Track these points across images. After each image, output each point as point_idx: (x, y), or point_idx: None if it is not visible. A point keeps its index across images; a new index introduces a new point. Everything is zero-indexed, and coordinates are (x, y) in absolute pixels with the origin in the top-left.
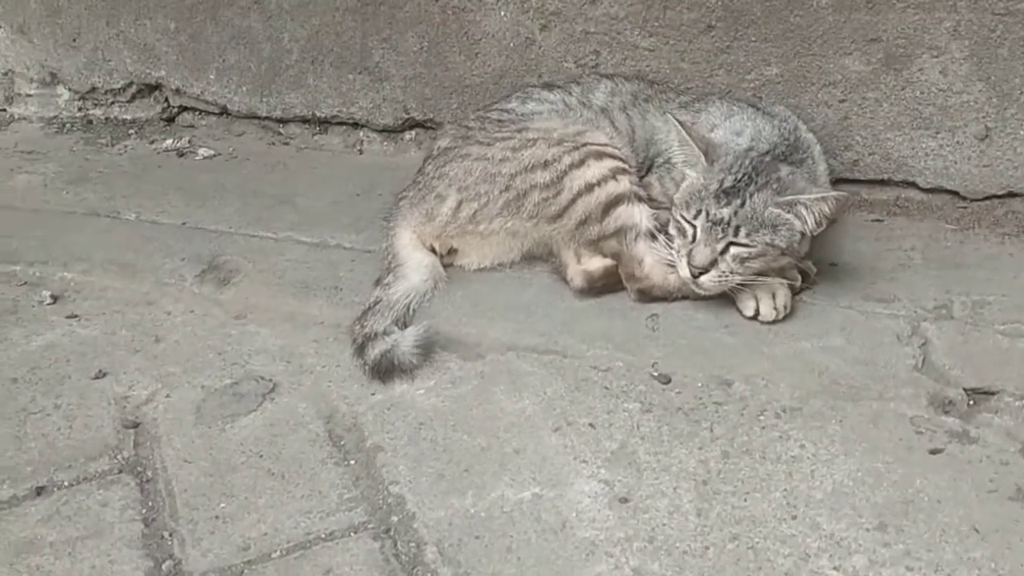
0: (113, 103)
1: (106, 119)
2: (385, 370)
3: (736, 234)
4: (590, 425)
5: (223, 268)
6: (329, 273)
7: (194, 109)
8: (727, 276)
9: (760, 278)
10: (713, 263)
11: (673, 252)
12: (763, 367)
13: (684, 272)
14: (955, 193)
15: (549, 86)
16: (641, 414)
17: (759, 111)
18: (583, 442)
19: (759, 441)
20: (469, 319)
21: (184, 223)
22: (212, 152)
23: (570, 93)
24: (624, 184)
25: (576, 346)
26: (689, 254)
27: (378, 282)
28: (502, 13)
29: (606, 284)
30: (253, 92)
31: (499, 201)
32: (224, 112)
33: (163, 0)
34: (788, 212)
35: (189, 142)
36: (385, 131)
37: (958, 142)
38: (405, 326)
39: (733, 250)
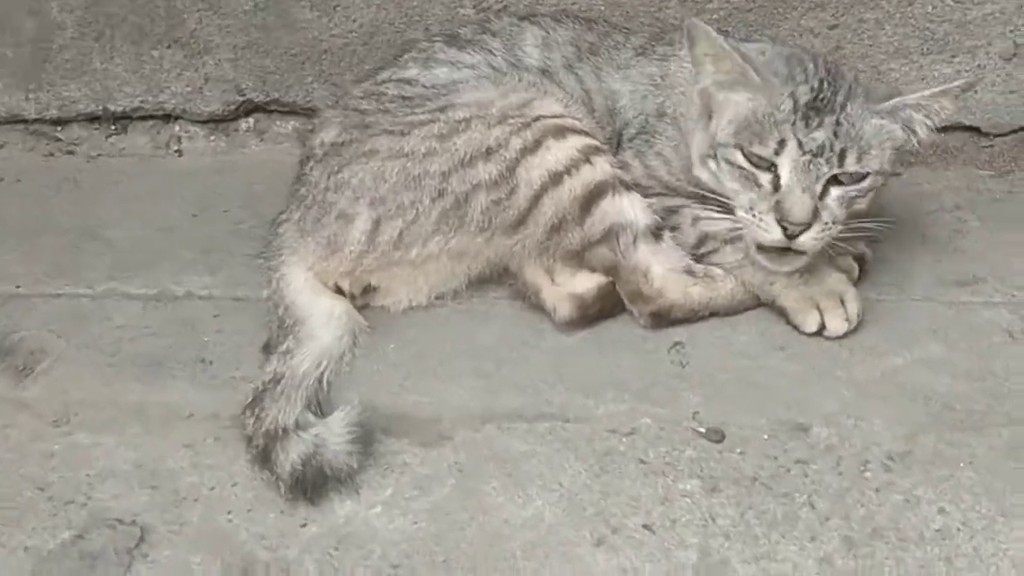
0: None
1: None
2: (313, 483)
3: (842, 162)
4: (645, 527)
5: (20, 350)
6: (187, 338)
7: None
8: (829, 228)
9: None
10: (815, 213)
11: (742, 216)
12: (845, 399)
13: (774, 235)
14: (975, 129)
15: (454, 40)
16: (707, 496)
17: (746, 43)
18: (645, 557)
19: (884, 513)
20: (415, 382)
21: None
22: None
23: (490, 50)
24: (602, 167)
25: (579, 403)
26: (778, 207)
27: (269, 348)
28: None
29: (602, 309)
30: (14, 87)
31: (433, 213)
32: None
33: None
34: (894, 122)
35: None
36: (212, 121)
37: (979, 65)
38: (321, 408)
39: (835, 191)
